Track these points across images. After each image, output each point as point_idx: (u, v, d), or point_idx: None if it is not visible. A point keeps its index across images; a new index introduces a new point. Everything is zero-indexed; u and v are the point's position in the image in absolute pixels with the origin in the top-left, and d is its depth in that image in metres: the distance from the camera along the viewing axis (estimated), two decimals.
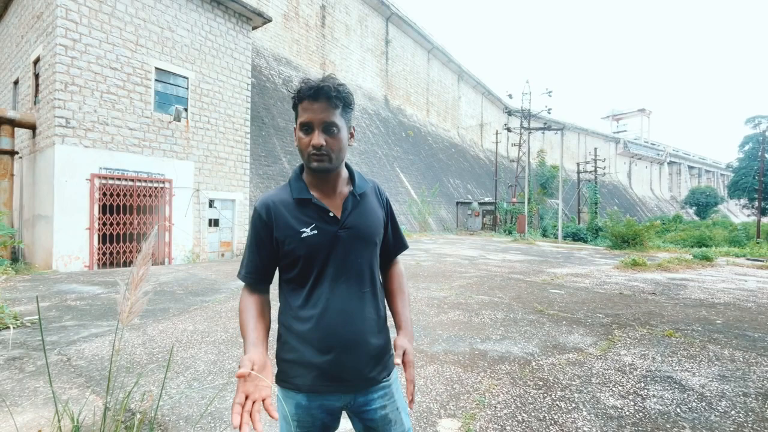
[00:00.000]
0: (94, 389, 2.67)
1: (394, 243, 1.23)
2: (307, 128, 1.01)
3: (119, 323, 1.02)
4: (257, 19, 12.10)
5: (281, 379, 1.06)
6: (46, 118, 8.71)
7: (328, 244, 1.04)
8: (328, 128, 1.01)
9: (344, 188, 1.12)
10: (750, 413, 2.49)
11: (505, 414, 2.43)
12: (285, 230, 1.04)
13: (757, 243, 20.19)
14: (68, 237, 8.37)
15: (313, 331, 1.02)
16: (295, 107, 1.05)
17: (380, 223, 1.14)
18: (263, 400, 0.86)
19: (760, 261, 12.46)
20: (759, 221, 24.51)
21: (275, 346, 1.12)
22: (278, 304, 1.14)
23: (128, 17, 9.29)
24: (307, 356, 1.02)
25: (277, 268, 1.11)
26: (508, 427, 2.28)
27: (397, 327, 1.15)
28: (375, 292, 1.11)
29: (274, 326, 1.14)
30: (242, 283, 1.12)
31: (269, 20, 12.49)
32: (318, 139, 1.00)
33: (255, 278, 1.09)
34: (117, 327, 1.17)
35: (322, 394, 1.03)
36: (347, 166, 1.14)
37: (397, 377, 1.16)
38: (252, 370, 0.89)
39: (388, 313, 1.18)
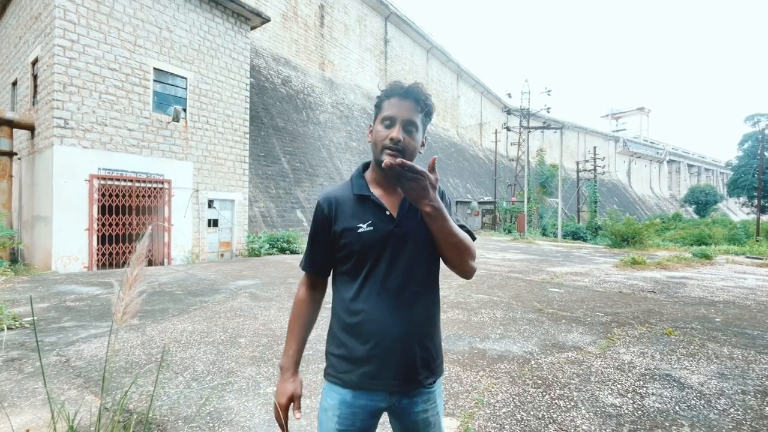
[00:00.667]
0: (92, 390, 2.67)
1: None
2: (388, 123, 1.06)
3: (114, 324, 1.02)
4: (256, 19, 12.08)
5: (329, 374, 1.10)
6: (44, 119, 8.70)
7: (382, 241, 1.06)
8: (408, 126, 1.06)
9: None
10: (749, 411, 2.49)
11: (504, 413, 2.43)
12: (343, 224, 1.08)
13: (757, 241, 20.19)
14: (67, 238, 8.36)
15: (361, 325, 1.05)
16: (380, 102, 1.10)
17: None
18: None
19: (760, 259, 12.47)
20: (758, 219, 24.52)
21: (326, 339, 1.18)
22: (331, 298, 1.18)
23: (126, 18, 9.27)
24: (355, 351, 1.05)
25: (335, 261, 1.15)
26: (506, 426, 2.28)
27: None
28: (427, 294, 1.12)
29: (324, 315, 1.19)
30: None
31: (268, 20, 12.48)
32: (398, 133, 1.04)
33: (314, 269, 1.16)
34: (112, 328, 1.16)
35: (368, 392, 1.05)
36: None
37: (441, 384, 1.18)
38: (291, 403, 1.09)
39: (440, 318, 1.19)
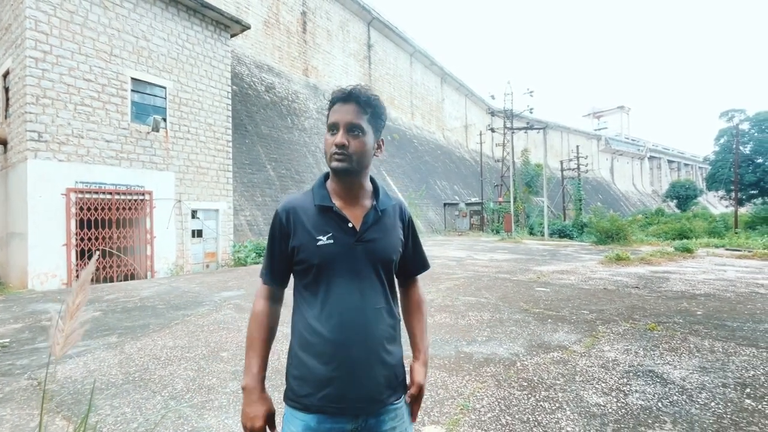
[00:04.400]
0: (65, 414, 2.56)
1: (414, 262, 1.22)
2: (333, 129, 1.04)
3: (53, 356, 0.95)
4: (235, 26, 11.99)
5: (289, 398, 1.04)
6: (17, 132, 8.45)
7: (343, 255, 1.02)
8: (352, 129, 1.03)
9: (367, 201, 1.11)
10: (729, 404, 2.52)
11: (489, 418, 2.41)
12: (302, 236, 1.03)
13: (736, 233, 20.77)
14: (44, 254, 8.11)
15: (323, 345, 0.99)
16: (328, 113, 1.09)
17: (398, 241, 1.12)
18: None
19: (738, 251, 12.81)
20: (736, 212, 25.25)
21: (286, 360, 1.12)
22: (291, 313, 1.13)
23: (101, 27, 9.10)
24: (316, 372, 0.99)
25: (293, 274, 1.11)
26: (491, 431, 2.26)
27: (414, 353, 1.16)
28: (390, 311, 1.08)
29: (285, 330, 1.12)
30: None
31: (247, 27, 12.40)
32: (341, 138, 1.01)
33: (275, 280, 1.11)
34: (49, 360, 1.10)
35: (332, 415, 0.99)
36: (372, 181, 1.14)
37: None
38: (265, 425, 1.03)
39: (403, 332, 1.17)
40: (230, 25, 11.87)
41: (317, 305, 1.02)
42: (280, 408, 1.10)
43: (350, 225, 1.04)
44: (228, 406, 2.63)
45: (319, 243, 1.02)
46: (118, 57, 9.37)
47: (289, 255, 1.06)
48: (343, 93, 1.05)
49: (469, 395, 2.71)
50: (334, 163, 1.03)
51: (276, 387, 2.89)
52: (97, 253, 1.23)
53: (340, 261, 1.02)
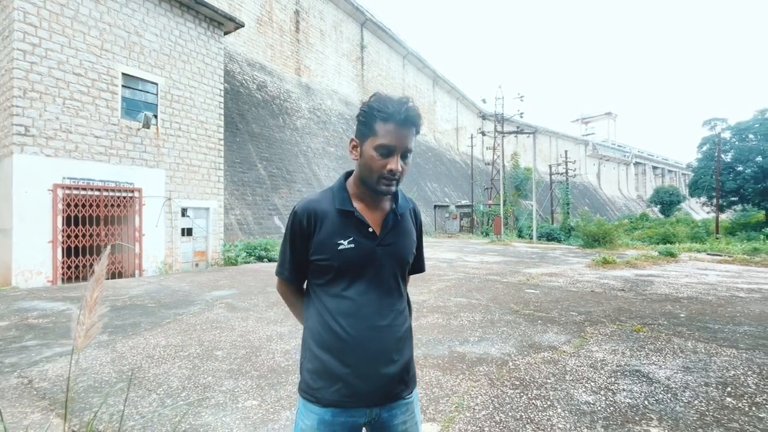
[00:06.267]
0: (58, 412, 2.54)
1: (414, 264, 1.24)
2: (386, 151, 0.99)
3: (74, 348, 0.97)
4: (229, 24, 11.91)
5: (303, 390, 1.06)
6: (3, 126, 8.25)
7: (364, 258, 1.04)
8: (406, 154, 1.03)
9: (386, 204, 1.12)
10: (711, 402, 2.63)
11: (484, 415, 2.47)
12: (323, 239, 1.04)
13: (717, 238, 21.37)
14: (29, 251, 7.93)
15: (340, 341, 1.02)
16: (371, 122, 1.00)
17: (413, 244, 1.15)
18: None
19: (719, 255, 13.20)
20: (717, 218, 25.97)
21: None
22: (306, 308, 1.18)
23: (92, 21, 8.95)
24: (331, 366, 1.02)
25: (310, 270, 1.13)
26: (486, 429, 2.32)
27: None
28: (403, 311, 1.12)
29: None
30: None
31: (241, 25, 12.33)
32: (397, 164, 1.00)
33: (291, 277, 1.14)
34: (73, 353, 1.12)
35: (346, 409, 1.01)
36: None
37: (417, 393, 1.18)
38: None
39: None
40: (224, 23, 11.78)
41: (333, 303, 1.04)
42: (294, 400, 1.13)
43: (370, 230, 1.06)
44: (225, 404, 2.63)
45: (341, 247, 1.03)
46: (109, 52, 9.23)
47: (308, 255, 1.08)
48: (401, 114, 0.98)
49: (463, 393, 2.77)
50: (383, 187, 1.02)
51: (273, 385, 2.91)
52: (108, 247, 1.24)
53: (361, 264, 1.04)
